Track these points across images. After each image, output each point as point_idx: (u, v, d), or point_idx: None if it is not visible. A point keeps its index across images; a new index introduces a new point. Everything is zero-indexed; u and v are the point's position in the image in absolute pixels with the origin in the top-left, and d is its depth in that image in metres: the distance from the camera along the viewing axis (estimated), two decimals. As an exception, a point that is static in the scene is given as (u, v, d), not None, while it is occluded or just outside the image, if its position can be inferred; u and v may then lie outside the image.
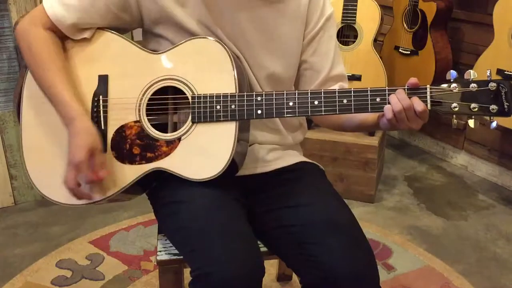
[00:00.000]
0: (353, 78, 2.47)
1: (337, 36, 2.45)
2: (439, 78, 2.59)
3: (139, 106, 1.20)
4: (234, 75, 1.15)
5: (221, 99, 1.15)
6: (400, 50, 2.73)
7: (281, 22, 1.26)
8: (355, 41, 2.47)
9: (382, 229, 2.30)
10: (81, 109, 1.17)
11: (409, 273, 2.00)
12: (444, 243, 2.22)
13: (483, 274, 2.02)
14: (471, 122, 1.08)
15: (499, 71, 2.24)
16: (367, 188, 2.51)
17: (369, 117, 1.21)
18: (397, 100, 1.08)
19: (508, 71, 2.22)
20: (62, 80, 1.18)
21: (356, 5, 2.43)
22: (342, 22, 2.46)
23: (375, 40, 2.47)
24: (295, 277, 1.90)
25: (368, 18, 2.45)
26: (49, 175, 1.23)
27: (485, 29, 2.55)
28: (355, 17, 2.44)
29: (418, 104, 1.07)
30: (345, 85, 1.35)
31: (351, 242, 1.15)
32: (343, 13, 2.45)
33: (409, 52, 2.69)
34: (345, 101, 1.12)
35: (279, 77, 1.29)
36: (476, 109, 1.06)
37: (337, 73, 1.34)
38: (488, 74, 1.06)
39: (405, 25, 2.68)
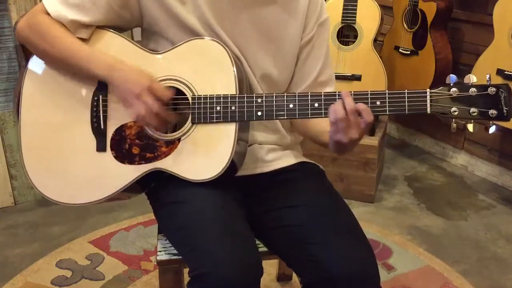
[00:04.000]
0: (353, 78, 2.47)
1: (337, 36, 2.47)
2: (439, 78, 2.59)
3: (139, 106, 1.20)
4: (235, 76, 1.15)
5: (221, 100, 1.15)
6: (400, 50, 2.73)
7: (282, 24, 1.26)
8: (355, 41, 2.47)
9: (382, 229, 2.30)
10: (113, 57, 1.18)
11: (409, 273, 2.00)
12: (444, 243, 2.22)
13: (483, 274, 2.02)
14: (470, 127, 1.08)
15: (499, 71, 2.24)
16: (367, 188, 2.51)
17: (324, 130, 1.20)
18: (341, 107, 1.07)
19: (508, 71, 2.22)
20: (82, 43, 1.19)
21: (356, 5, 2.43)
22: (342, 22, 2.46)
23: (375, 40, 2.47)
24: (295, 277, 1.90)
25: (368, 18, 2.45)
26: (49, 174, 1.23)
27: (485, 29, 2.55)
28: (355, 17, 2.44)
29: (367, 114, 1.07)
30: (331, 89, 1.34)
31: (352, 242, 1.15)
32: (343, 13, 2.45)
33: (409, 52, 2.69)
34: None
35: (275, 79, 1.28)
36: (476, 113, 1.06)
37: (324, 79, 1.33)
38: (488, 79, 1.06)
39: (405, 25, 2.68)
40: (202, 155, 1.16)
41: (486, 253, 2.15)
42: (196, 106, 1.16)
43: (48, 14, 1.19)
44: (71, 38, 1.18)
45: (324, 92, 1.12)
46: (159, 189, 1.26)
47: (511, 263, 2.10)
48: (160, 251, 1.28)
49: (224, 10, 1.21)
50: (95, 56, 1.18)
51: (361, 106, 1.07)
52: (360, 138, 1.10)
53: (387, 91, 1.10)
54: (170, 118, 1.16)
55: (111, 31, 1.23)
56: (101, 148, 1.21)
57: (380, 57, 2.47)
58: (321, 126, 1.25)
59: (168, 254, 1.27)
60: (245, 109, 1.15)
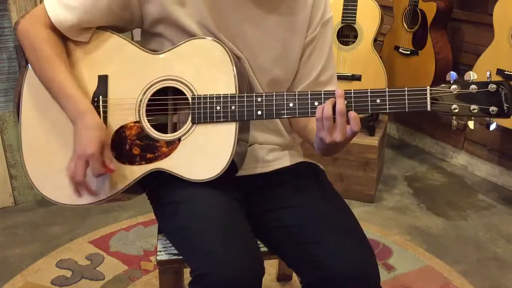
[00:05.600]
0: (353, 78, 2.47)
1: (337, 36, 2.47)
2: (439, 78, 2.59)
3: (139, 106, 1.20)
4: (234, 76, 1.15)
5: (221, 99, 1.15)
6: (400, 50, 2.73)
7: (285, 26, 1.25)
8: (355, 41, 2.47)
9: (382, 229, 2.30)
10: (90, 105, 1.18)
11: (409, 273, 2.00)
12: (444, 243, 2.22)
13: (483, 274, 2.02)
14: (470, 124, 1.08)
15: (499, 71, 2.24)
16: (367, 188, 2.51)
17: (313, 129, 1.20)
18: (330, 106, 1.07)
19: (508, 71, 2.22)
20: (68, 76, 1.18)
21: (356, 5, 2.43)
22: (342, 22, 2.46)
23: (375, 40, 2.47)
24: (295, 277, 1.90)
25: (368, 18, 2.45)
26: (49, 175, 1.23)
27: (485, 29, 2.55)
28: (355, 17, 2.44)
29: (355, 123, 1.06)
30: (333, 88, 1.34)
31: (352, 242, 1.15)
32: (343, 13, 2.45)
33: (409, 52, 2.69)
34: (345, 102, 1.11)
35: (279, 80, 1.28)
36: (476, 110, 1.06)
37: (325, 79, 1.32)
38: (488, 76, 1.06)
39: (405, 25, 2.68)
40: (202, 155, 1.16)
41: (486, 253, 2.15)
42: (196, 106, 1.16)
43: (48, 23, 1.18)
44: (58, 67, 1.18)
45: (324, 91, 1.12)
46: (160, 189, 1.26)
47: (511, 263, 2.10)
48: (160, 251, 1.28)
49: (225, 15, 1.20)
50: (70, 100, 1.17)
51: (352, 114, 1.07)
52: (344, 144, 1.09)
53: (387, 89, 1.10)
54: (89, 192, 1.18)
55: (110, 32, 1.23)
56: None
57: (380, 57, 2.47)
58: (312, 125, 1.24)
59: (168, 254, 1.27)
60: (245, 109, 1.15)
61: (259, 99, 1.15)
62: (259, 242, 1.27)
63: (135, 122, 1.20)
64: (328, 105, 1.08)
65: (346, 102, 1.09)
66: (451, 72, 1.07)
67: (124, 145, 1.20)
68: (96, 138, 1.14)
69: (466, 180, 2.80)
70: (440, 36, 2.62)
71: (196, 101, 1.16)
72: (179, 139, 1.18)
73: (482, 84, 1.05)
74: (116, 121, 1.21)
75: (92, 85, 1.21)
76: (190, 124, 1.17)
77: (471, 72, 1.07)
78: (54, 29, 1.20)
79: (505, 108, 1.04)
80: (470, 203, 2.57)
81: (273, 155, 1.32)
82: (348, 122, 1.07)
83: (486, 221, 2.40)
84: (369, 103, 1.10)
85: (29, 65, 1.23)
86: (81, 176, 1.14)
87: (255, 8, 1.22)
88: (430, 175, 2.86)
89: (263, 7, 1.23)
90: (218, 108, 1.15)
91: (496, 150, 2.74)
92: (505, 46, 2.24)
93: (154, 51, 1.21)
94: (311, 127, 1.26)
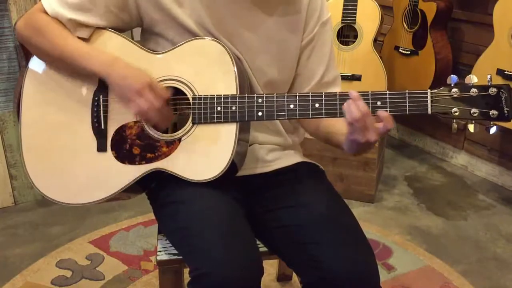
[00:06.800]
0: (353, 78, 2.47)
1: (337, 36, 2.47)
2: (439, 78, 2.59)
3: (140, 106, 1.20)
4: (235, 76, 1.15)
5: (222, 100, 1.15)
6: (400, 50, 2.73)
7: (282, 27, 1.25)
8: (355, 41, 2.47)
9: (382, 229, 2.30)
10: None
11: (409, 273, 2.00)
12: (444, 243, 2.23)
13: (483, 274, 2.02)
14: (471, 127, 1.08)
15: (499, 71, 2.24)
16: (367, 188, 2.51)
17: (338, 132, 1.20)
18: (355, 108, 1.06)
19: (508, 71, 2.22)
20: (79, 40, 1.19)
21: (356, 5, 2.43)
22: (342, 22, 2.46)
23: (375, 40, 2.47)
24: (295, 277, 1.90)
25: (368, 18, 2.45)
26: (49, 174, 1.23)
27: (485, 29, 2.55)
28: (355, 17, 2.44)
29: (388, 122, 1.07)
30: (338, 88, 1.34)
31: (351, 242, 1.15)
32: (343, 13, 2.45)
33: (409, 52, 2.69)
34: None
35: (275, 81, 1.28)
36: (476, 114, 1.06)
37: (329, 80, 1.32)
38: (489, 79, 1.07)
39: (405, 25, 2.68)
40: (202, 155, 1.16)
41: (486, 253, 2.15)
42: (196, 106, 1.16)
43: (46, 13, 1.18)
44: (70, 36, 1.18)
45: (324, 93, 1.12)
46: (159, 189, 1.26)
47: (511, 263, 2.10)
48: (160, 251, 1.28)
49: (221, 14, 1.20)
50: (94, 54, 1.17)
51: (383, 114, 1.06)
52: (376, 141, 1.09)
53: (387, 92, 1.10)
54: (171, 115, 1.16)
55: (111, 31, 1.22)
56: (101, 148, 1.21)
57: (380, 57, 2.47)
58: (335, 127, 1.23)
59: (168, 254, 1.27)
60: (246, 109, 1.15)
61: (259, 100, 1.15)
62: (258, 242, 1.27)
63: (135, 122, 1.20)
64: (354, 108, 1.06)
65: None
66: (452, 75, 1.08)
67: (124, 145, 1.20)
68: (140, 70, 1.15)
69: (466, 180, 2.81)
70: (440, 36, 2.62)
71: (196, 101, 1.16)
72: (179, 139, 1.18)
73: (483, 88, 1.06)
74: (116, 120, 1.21)
75: (93, 85, 1.21)
76: (191, 124, 1.17)
77: (471, 76, 1.07)
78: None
79: (506, 112, 1.05)
80: (470, 203, 2.57)
81: (273, 155, 1.32)
82: (378, 120, 1.07)
83: (486, 221, 2.40)
84: (370, 106, 1.09)
85: (28, 65, 1.24)
86: (158, 102, 1.13)
87: (251, 12, 1.22)
88: (430, 175, 2.86)
89: (259, 11, 1.23)
90: (218, 108, 1.15)
91: (496, 150, 2.74)
92: (505, 46, 2.24)
93: (155, 51, 1.22)
94: (333, 129, 1.24)
